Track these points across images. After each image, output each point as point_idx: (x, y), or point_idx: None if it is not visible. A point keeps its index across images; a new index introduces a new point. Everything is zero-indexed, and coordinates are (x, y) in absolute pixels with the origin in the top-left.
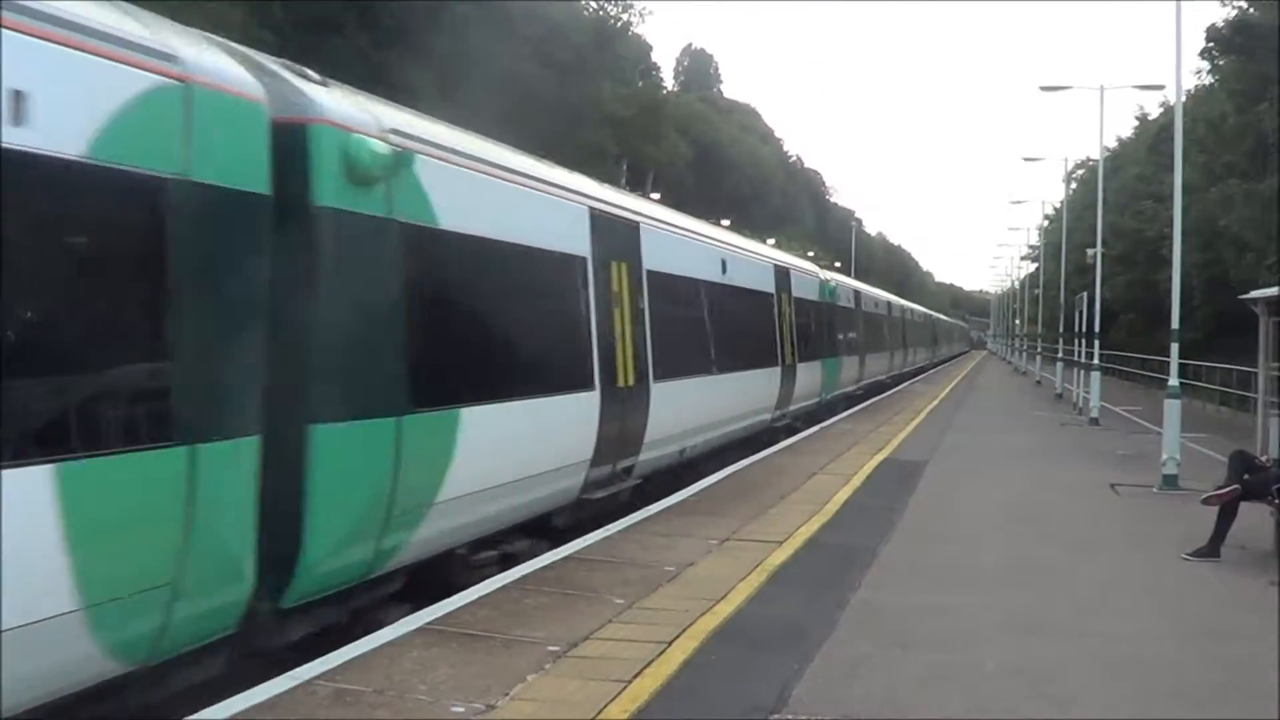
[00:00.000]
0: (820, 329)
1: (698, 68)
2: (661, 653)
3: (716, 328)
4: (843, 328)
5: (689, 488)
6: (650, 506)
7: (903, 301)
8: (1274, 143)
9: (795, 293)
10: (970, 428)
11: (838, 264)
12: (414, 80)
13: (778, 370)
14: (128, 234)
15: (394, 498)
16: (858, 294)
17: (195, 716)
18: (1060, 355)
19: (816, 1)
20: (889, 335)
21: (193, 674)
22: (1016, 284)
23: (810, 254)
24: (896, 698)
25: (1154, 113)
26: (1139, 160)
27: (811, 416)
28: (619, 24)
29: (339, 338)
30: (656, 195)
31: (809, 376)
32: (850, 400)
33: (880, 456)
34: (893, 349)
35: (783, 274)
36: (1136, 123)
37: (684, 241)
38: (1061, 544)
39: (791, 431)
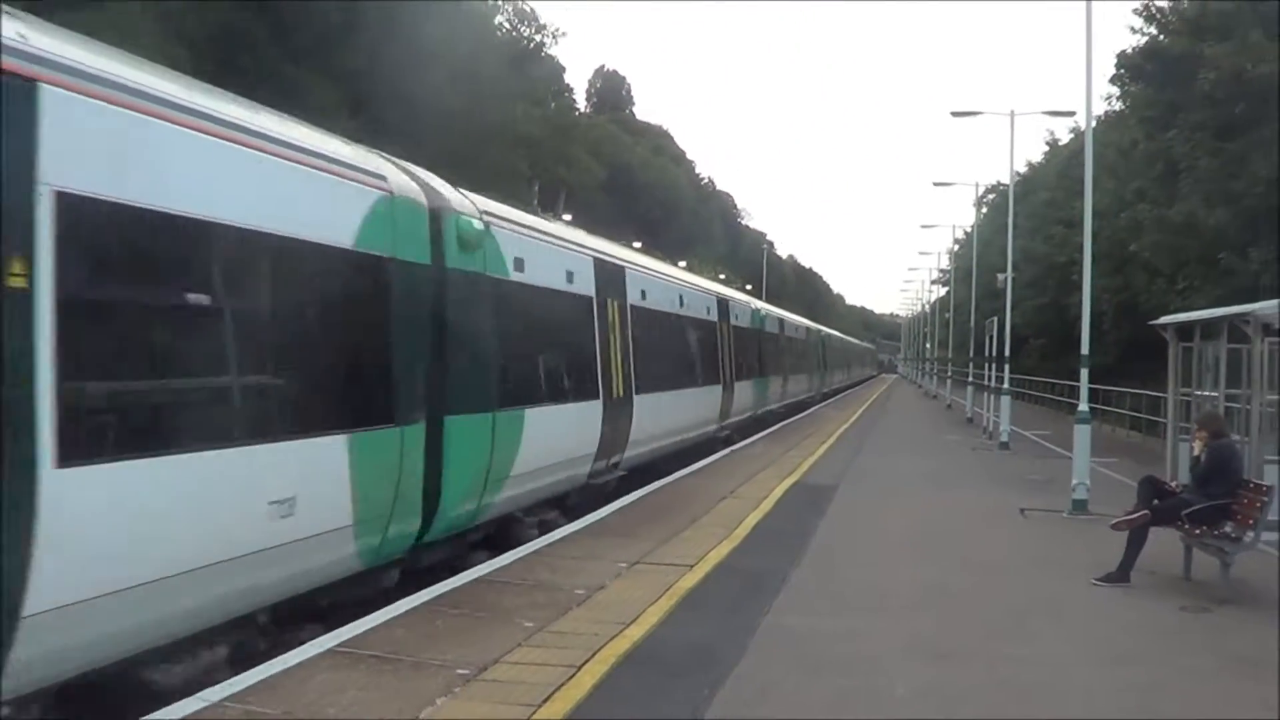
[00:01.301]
0: (462, 346)
1: (610, 89)
2: (571, 676)
3: None
4: (563, 348)
5: (599, 510)
6: (560, 529)
7: (756, 303)
8: (1183, 169)
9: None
10: (881, 451)
11: (749, 286)
12: (325, 99)
13: None
14: None
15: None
16: (618, 274)
17: None
18: (971, 379)
19: (728, 7)
20: (713, 359)
21: None
22: (927, 308)
23: (722, 276)
24: None
25: (1064, 138)
26: (1049, 185)
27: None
28: (532, 45)
29: None
30: (568, 216)
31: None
32: (586, 497)
33: (790, 480)
34: (734, 379)
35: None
36: (1047, 148)
37: None
38: (971, 569)
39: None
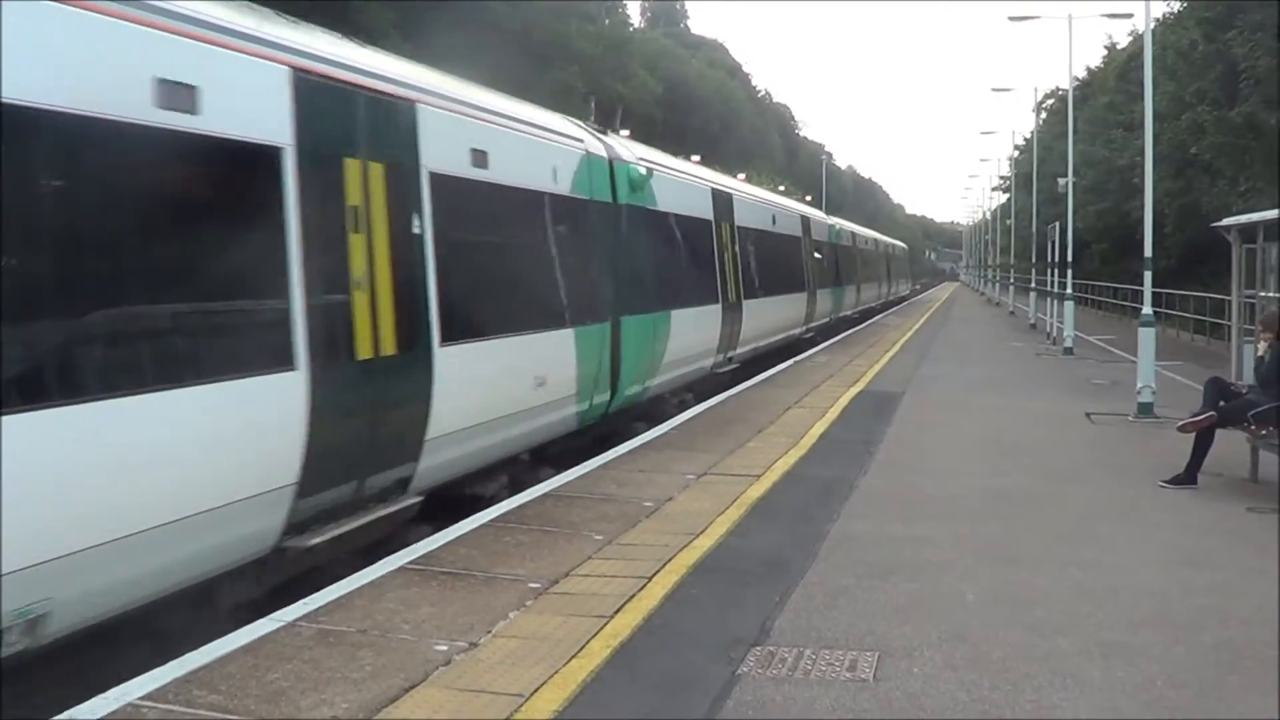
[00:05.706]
0: None
1: (664, 3)
2: (642, 588)
3: None
4: (694, 262)
5: (665, 423)
6: (627, 443)
7: (831, 219)
8: (1243, 69)
9: None
10: (945, 358)
11: (808, 197)
12: (377, 21)
13: None
14: None
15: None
16: (728, 200)
17: (181, 659)
18: (1033, 285)
19: None
20: (799, 270)
21: None
22: (988, 215)
23: (781, 188)
24: (877, 627)
25: (1123, 41)
26: (1108, 89)
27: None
28: None
29: None
30: (626, 131)
31: None
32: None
33: (856, 389)
34: (816, 287)
35: None
36: (1105, 52)
37: None
38: (1038, 473)
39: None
